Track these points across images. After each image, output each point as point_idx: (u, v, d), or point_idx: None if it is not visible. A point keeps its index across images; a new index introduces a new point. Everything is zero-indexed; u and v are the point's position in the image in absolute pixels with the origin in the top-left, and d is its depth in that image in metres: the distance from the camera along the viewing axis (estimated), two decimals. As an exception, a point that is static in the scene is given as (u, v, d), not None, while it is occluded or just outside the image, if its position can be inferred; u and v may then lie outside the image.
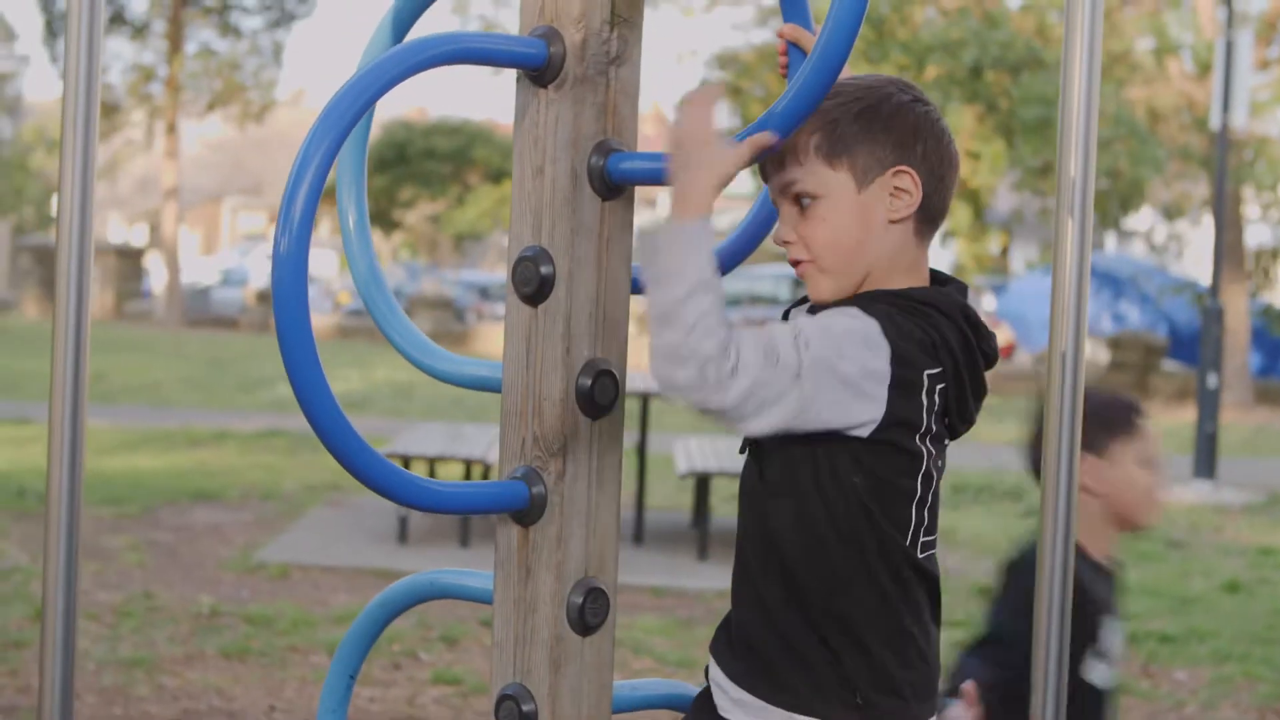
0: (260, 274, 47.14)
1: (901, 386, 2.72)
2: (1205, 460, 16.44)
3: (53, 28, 37.97)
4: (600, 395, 2.80)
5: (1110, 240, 46.93)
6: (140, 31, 38.14)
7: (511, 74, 2.87)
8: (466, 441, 12.06)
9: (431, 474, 12.27)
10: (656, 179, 2.76)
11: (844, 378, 2.68)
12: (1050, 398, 2.56)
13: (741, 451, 2.92)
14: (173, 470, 14.31)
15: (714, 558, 11.08)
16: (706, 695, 2.96)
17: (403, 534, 11.21)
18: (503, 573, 2.85)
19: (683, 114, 2.70)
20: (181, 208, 44.68)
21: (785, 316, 2.96)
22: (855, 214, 2.84)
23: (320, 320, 38.78)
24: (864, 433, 2.72)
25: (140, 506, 12.26)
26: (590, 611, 2.82)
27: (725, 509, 13.25)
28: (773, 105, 2.69)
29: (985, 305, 35.30)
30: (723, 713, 2.89)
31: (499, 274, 53.30)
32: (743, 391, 2.60)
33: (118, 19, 37.47)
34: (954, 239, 30.94)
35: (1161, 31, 26.78)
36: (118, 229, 74.94)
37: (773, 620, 2.82)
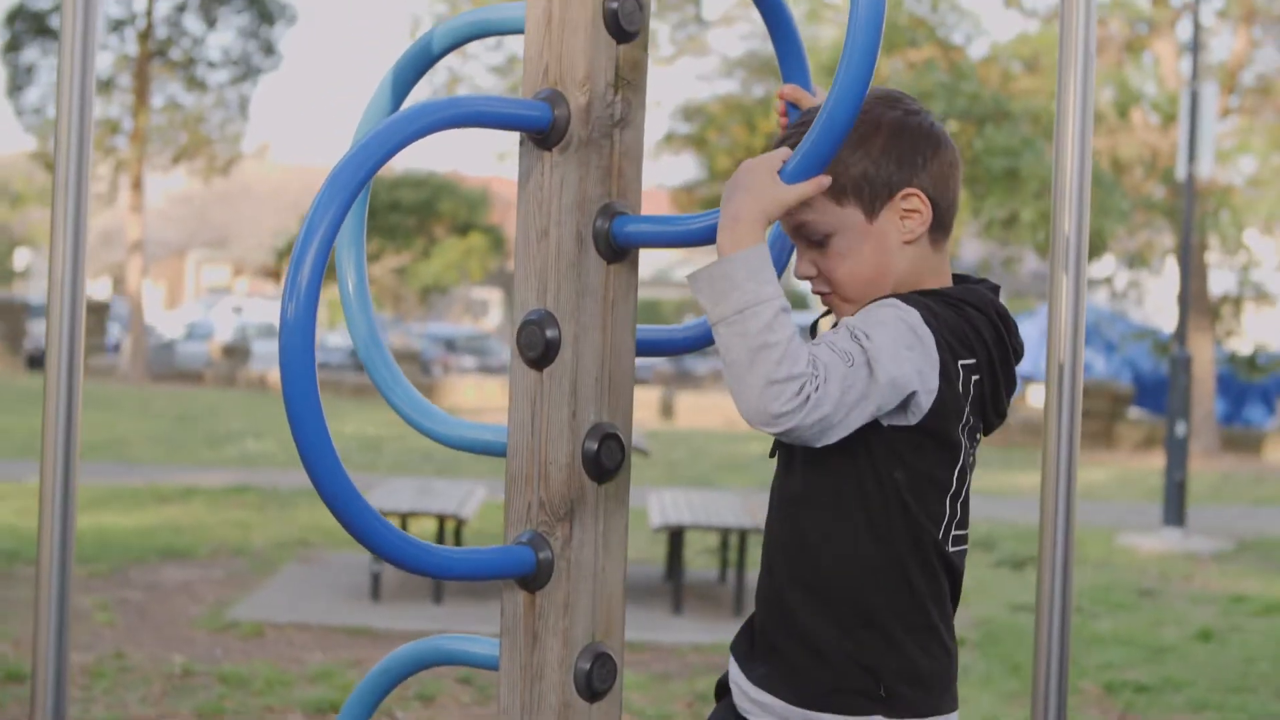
0: (225, 327, 47.03)
1: (945, 373, 2.78)
2: (1174, 508, 16.46)
3: (17, 80, 37.89)
4: (607, 459, 2.79)
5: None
6: (106, 85, 38.09)
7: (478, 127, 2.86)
8: (438, 497, 12.01)
9: (404, 530, 12.23)
10: (661, 242, 2.76)
11: (906, 360, 2.72)
12: (1047, 471, 2.62)
13: (771, 455, 2.95)
14: (141, 528, 14.21)
15: (689, 611, 11.04)
16: (725, 693, 2.99)
17: (376, 591, 11.16)
18: (509, 639, 2.83)
19: (748, 161, 2.73)
20: (146, 261, 44.58)
21: (813, 329, 3.01)
22: (870, 244, 2.90)
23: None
24: (914, 419, 2.77)
25: (109, 565, 12.17)
26: (598, 677, 2.80)
27: (700, 562, 13.22)
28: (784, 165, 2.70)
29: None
30: (743, 712, 2.92)
31: (465, 326, 53.31)
32: (835, 399, 2.63)
33: (83, 73, 37.42)
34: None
35: (1124, 83, 26.94)
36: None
37: (798, 624, 2.85)
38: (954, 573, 2.92)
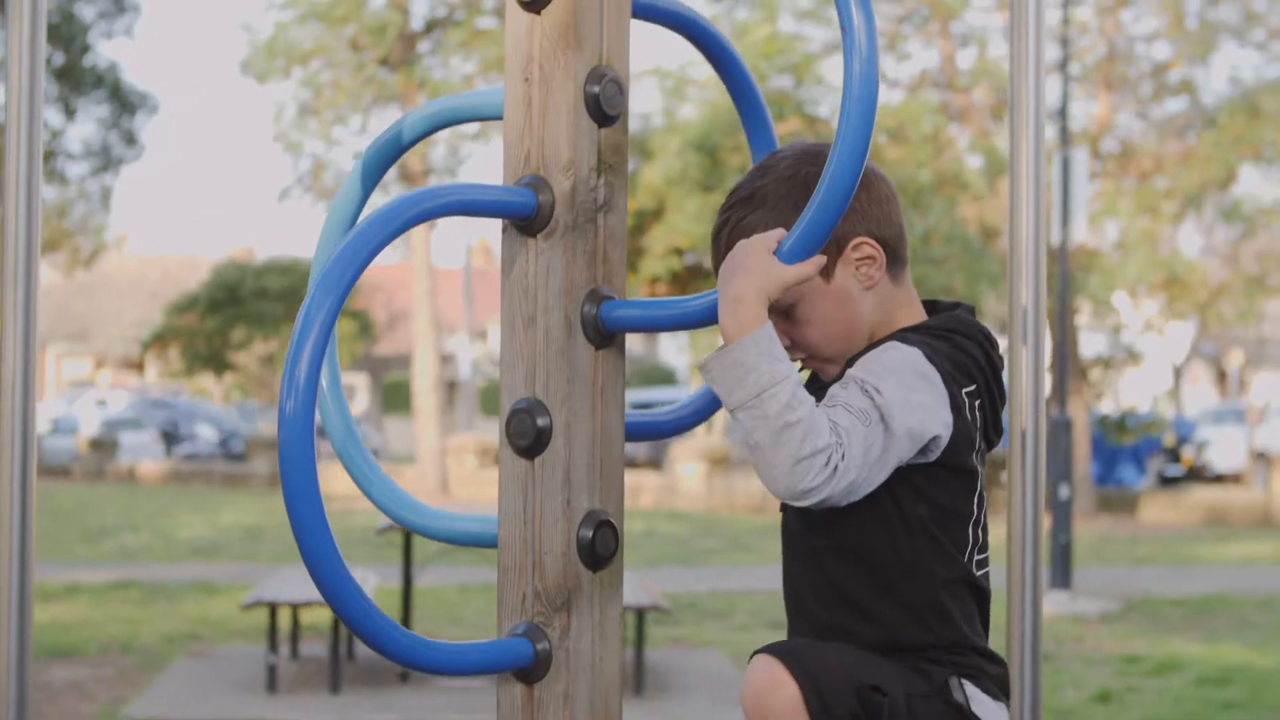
0: (90, 421, 46.45)
1: (955, 406, 2.81)
2: (1061, 571, 16.62)
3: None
4: (601, 546, 2.76)
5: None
6: (-38, 180, 37.58)
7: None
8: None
9: (296, 621, 12.09)
10: (650, 325, 2.75)
11: (919, 406, 2.75)
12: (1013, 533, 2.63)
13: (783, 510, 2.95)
14: (27, 627, 13.93)
15: (649, 695, 10.97)
16: None
17: (271, 683, 11.00)
18: (507, 733, 2.79)
19: (744, 242, 2.72)
20: (8, 356, 43.95)
21: (811, 383, 3.01)
22: (833, 302, 2.92)
23: (155, 466, 38.25)
24: (933, 456, 2.80)
25: (-3, 666, 11.92)
26: (600, 769, 2.77)
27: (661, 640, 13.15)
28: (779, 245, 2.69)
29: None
30: None
31: (334, 411, 52.86)
32: (859, 462, 2.65)
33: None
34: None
35: (991, 150, 27.29)
36: None
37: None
38: (982, 595, 2.96)
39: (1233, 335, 49.01)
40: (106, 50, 40.84)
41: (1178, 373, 50.60)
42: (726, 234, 2.95)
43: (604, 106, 2.77)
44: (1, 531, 2.50)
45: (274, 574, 13.57)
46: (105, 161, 38.22)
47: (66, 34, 35.99)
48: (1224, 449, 37.52)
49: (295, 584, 12.05)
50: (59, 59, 36.35)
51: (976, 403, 2.88)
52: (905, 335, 2.88)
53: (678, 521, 25.93)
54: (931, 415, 2.76)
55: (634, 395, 40.02)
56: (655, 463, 36.58)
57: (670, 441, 30.53)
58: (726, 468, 29.83)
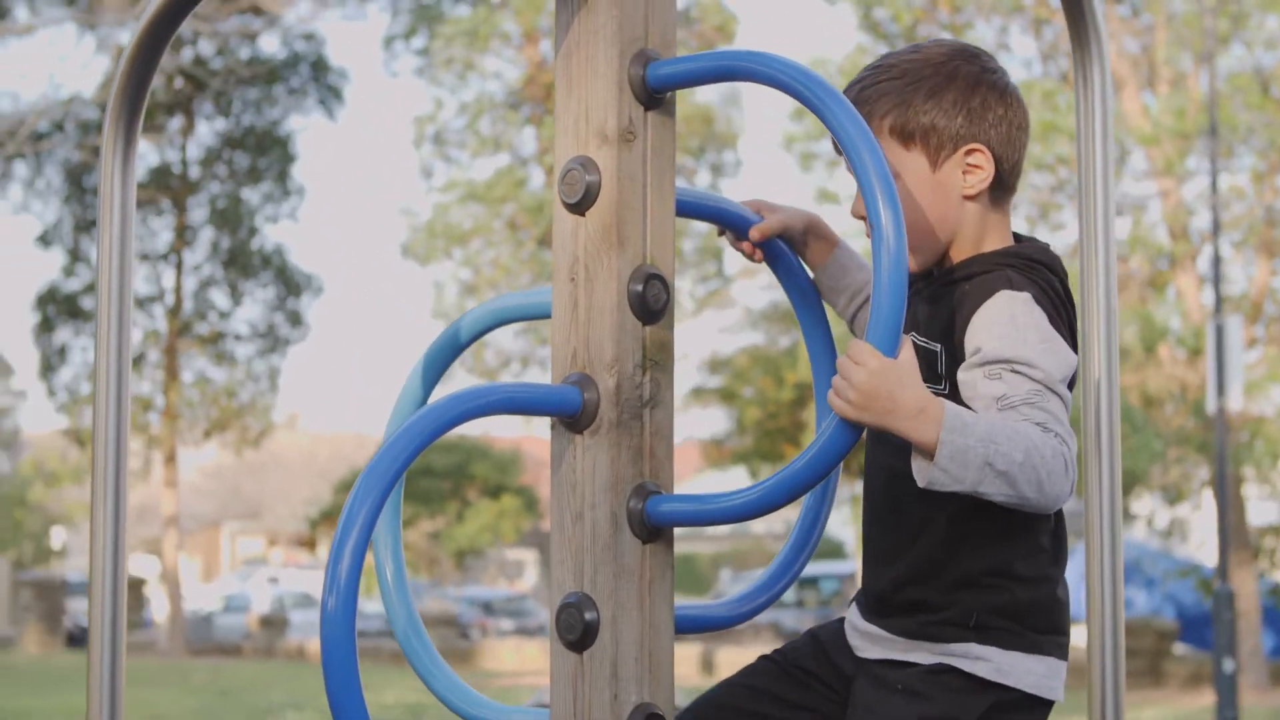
0: (261, 598, 46.90)
1: (1070, 334, 2.93)
2: (1228, 747, 16.27)
3: (50, 361, 38.27)
4: (650, 740, 2.77)
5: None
6: (136, 362, 38.44)
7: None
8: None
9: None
10: (698, 520, 2.78)
11: (1061, 353, 2.86)
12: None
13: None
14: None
15: None
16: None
17: None
18: None
19: (868, 373, 2.72)
20: (181, 535, 44.64)
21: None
22: (932, 192, 2.99)
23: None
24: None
25: None
26: None
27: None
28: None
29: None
30: (854, 648, 3.05)
31: (501, 589, 53.08)
32: (1068, 433, 2.79)
33: (114, 352, 37.64)
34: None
35: (1149, 318, 27.03)
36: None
37: (904, 591, 2.99)
38: (1062, 519, 3.01)
39: None
40: (272, 234, 41.56)
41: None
42: (858, 90, 3.05)
43: (649, 303, 2.81)
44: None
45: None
46: (273, 342, 38.91)
47: (234, 218, 36.83)
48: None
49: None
50: (225, 242, 37.16)
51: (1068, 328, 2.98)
52: (1005, 273, 2.95)
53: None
54: (1069, 352, 2.88)
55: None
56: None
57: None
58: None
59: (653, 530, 2.83)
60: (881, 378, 2.69)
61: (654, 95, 2.83)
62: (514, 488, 47.11)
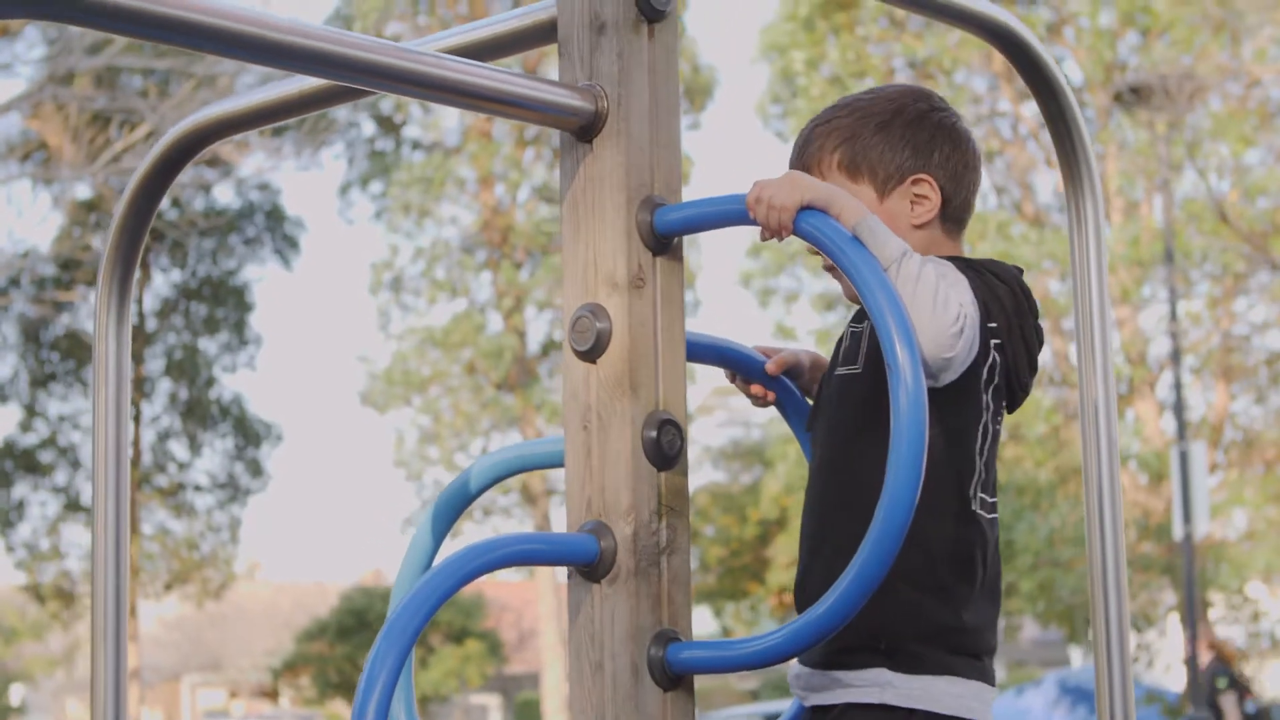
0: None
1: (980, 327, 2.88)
2: None
3: (8, 517, 37.95)
4: None
5: (1076, 654, 46.84)
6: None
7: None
8: None
9: None
10: (719, 667, 2.77)
11: (963, 284, 2.87)
12: None
13: (808, 429, 3.08)
14: None
15: None
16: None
17: None
18: None
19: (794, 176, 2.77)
20: (142, 688, 44.19)
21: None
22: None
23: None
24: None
25: None
26: None
27: None
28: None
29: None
30: (793, 691, 3.03)
31: (466, 734, 52.60)
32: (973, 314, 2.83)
33: (72, 506, 37.47)
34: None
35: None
36: (78, 715, 73.85)
37: (811, 593, 2.86)
38: (982, 535, 2.93)
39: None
40: (230, 383, 41.46)
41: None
42: (811, 128, 3.12)
43: (663, 449, 2.80)
44: None
45: None
46: (233, 493, 38.70)
47: (191, 368, 36.73)
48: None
49: None
50: (183, 393, 37.04)
51: (994, 341, 2.91)
52: (937, 258, 2.94)
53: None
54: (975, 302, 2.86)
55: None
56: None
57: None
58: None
59: (674, 678, 2.80)
60: (782, 177, 2.77)
61: (661, 241, 2.83)
62: (477, 632, 46.82)
